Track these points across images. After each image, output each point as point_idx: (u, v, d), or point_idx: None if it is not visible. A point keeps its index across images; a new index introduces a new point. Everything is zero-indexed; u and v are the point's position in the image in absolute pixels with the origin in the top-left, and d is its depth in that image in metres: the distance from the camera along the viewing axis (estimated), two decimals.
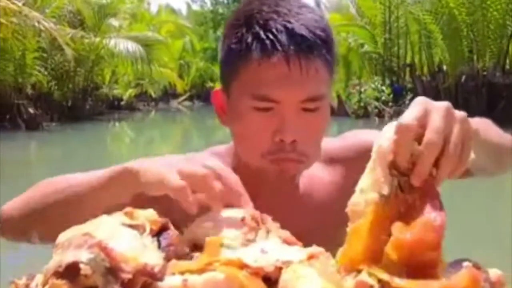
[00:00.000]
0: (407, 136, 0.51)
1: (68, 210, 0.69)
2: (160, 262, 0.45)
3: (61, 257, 0.43)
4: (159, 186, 0.58)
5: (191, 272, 0.48)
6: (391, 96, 12.69)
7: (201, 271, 0.48)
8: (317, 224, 0.80)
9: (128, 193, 0.62)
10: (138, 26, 17.98)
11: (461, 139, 0.53)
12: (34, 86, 11.74)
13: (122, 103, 17.78)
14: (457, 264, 0.51)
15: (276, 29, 0.74)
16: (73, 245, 0.43)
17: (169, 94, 22.63)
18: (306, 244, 0.55)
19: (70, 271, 0.42)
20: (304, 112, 0.75)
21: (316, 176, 0.87)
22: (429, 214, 0.48)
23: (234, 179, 0.64)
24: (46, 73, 11.90)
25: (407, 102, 12.23)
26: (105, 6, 13.38)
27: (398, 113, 12.98)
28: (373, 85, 13.15)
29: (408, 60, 13.30)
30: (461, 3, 10.75)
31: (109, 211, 0.56)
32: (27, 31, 10.35)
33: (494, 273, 0.53)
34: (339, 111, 12.33)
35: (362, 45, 14.29)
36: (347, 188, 0.85)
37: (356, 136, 0.92)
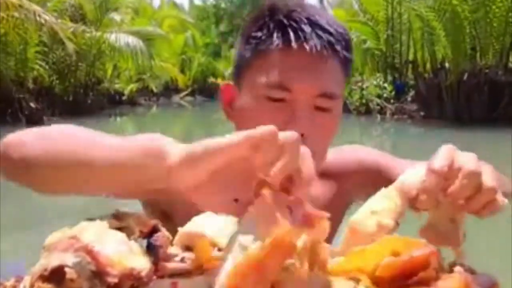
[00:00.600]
0: (437, 180, 0.51)
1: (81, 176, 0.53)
2: (147, 266, 0.44)
3: (47, 261, 0.42)
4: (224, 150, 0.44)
5: (181, 275, 0.48)
6: (393, 93, 12.66)
7: (190, 274, 0.48)
8: None
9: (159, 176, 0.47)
10: (140, 21, 17.96)
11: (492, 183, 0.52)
12: (36, 81, 11.74)
13: (124, 97, 17.78)
14: (449, 268, 0.51)
15: (300, 19, 0.75)
16: (59, 249, 0.43)
17: (170, 89, 22.61)
18: None
19: (56, 275, 0.41)
20: (317, 110, 0.75)
21: (316, 188, 0.85)
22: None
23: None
24: (47, 67, 11.90)
25: (408, 99, 12.22)
26: (107, 0, 13.35)
27: (399, 110, 12.96)
28: (375, 82, 13.12)
29: (411, 57, 13.25)
30: (464, 0, 10.70)
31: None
32: (29, 25, 10.33)
33: (487, 278, 0.53)
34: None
35: (364, 42, 14.24)
36: (336, 203, 0.85)
37: (356, 152, 0.91)
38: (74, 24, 12.11)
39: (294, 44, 0.74)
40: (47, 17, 10.14)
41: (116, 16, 14.52)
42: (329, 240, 0.59)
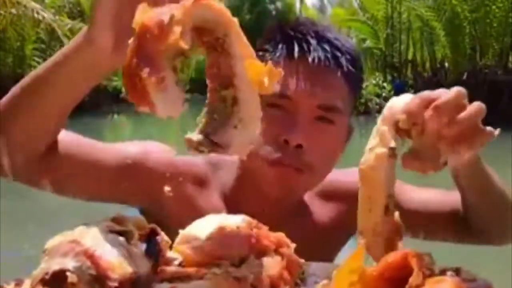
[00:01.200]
0: (419, 102, 0.52)
1: (36, 90, 0.65)
2: (147, 270, 0.45)
3: (47, 265, 0.43)
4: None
5: (179, 279, 0.48)
6: (392, 92, 12.67)
7: (188, 278, 0.48)
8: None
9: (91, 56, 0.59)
10: None
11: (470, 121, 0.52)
12: None
13: (121, 95, 17.74)
14: (442, 273, 0.51)
15: (307, 32, 0.77)
16: (60, 253, 0.43)
17: None
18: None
19: (57, 279, 0.42)
20: (319, 121, 0.75)
21: (313, 205, 0.85)
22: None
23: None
24: None
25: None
26: None
27: None
28: (374, 81, 13.13)
29: (410, 57, 13.26)
30: (463, 0, 10.70)
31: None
32: (26, 22, 10.31)
33: (482, 282, 0.53)
34: None
35: (363, 41, 14.24)
36: (342, 224, 0.84)
37: None
38: (71, 21, 12.08)
39: (296, 54, 0.75)
40: (44, 14, 10.11)
41: None
42: (331, 258, 0.60)
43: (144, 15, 0.48)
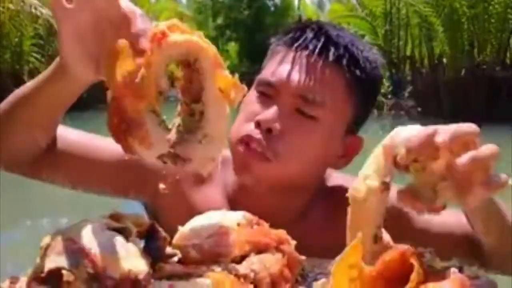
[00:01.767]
0: (422, 139, 0.47)
1: (19, 109, 0.68)
2: (145, 268, 0.44)
3: (43, 262, 0.42)
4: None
5: (178, 277, 0.47)
6: (390, 88, 12.66)
7: (188, 276, 0.48)
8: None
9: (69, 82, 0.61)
10: None
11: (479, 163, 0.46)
12: (31, 73, 11.66)
13: None
14: (445, 270, 0.50)
15: (318, 30, 0.76)
16: (56, 250, 0.42)
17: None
18: None
19: (52, 277, 0.41)
20: (299, 114, 0.73)
21: (318, 211, 0.81)
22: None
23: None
24: (43, 60, 11.82)
25: (406, 94, 12.21)
26: None
27: (396, 106, 13.01)
28: None
29: (408, 53, 13.24)
30: None
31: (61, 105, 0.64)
32: (24, 17, 10.26)
33: (485, 280, 0.53)
34: None
35: (362, 37, 14.21)
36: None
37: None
38: None
39: (296, 43, 0.74)
40: (43, 10, 10.06)
41: None
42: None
43: (116, 73, 0.50)
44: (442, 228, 0.79)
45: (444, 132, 0.46)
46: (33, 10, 10.09)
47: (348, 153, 0.79)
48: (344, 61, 0.74)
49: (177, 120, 0.55)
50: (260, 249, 0.55)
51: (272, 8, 18.86)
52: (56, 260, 0.41)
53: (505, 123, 8.27)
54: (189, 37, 0.52)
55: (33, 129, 0.69)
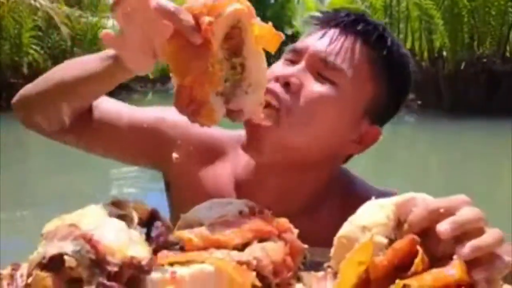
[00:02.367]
0: (423, 215, 0.47)
1: (62, 95, 0.76)
2: (147, 255, 0.44)
3: (45, 249, 0.42)
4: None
5: (180, 264, 0.47)
6: None
7: (190, 263, 0.47)
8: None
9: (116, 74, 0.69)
10: None
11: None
12: (31, 66, 11.63)
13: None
14: (449, 257, 0.50)
15: (357, 16, 0.78)
16: (58, 236, 0.42)
17: (167, 75, 22.44)
18: None
19: (55, 263, 0.41)
20: (321, 78, 0.73)
21: (332, 211, 0.78)
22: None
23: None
24: (42, 52, 11.78)
25: (405, 99, 12.15)
26: None
27: None
28: None
29: (408, 46, 13.19)
30: None
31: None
32: (23, 9, 10.21)
33: None
34: None
35: None
36: None
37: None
38: (69, 8, 11.96)
39: (325, 22, 0.76)
40: (42, 1, 10.01)
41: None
42: None
43: (185, 66, 0.58)
44: None
45: (446, 224, 0.46)
46: (32, 2, 10.04)
47: (363, 140, 0.77)
48: (372, 37, 0.74)
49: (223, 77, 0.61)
50: (262, 238, 0.55)
51: (272, 1, 18.77)
52: (58, 246, 0.41)
53: (505, 116, 8.27)
54: (231, 9, 0.57)
55: (72, 108, 0.78)
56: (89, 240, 0.41)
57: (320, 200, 0.79)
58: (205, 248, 0.50)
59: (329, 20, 0.77)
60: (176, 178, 0.84)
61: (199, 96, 0.58)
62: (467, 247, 0.45)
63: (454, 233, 0.45)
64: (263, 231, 0.55)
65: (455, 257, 0.48)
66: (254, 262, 0.49)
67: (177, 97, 0.59)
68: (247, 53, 0.60)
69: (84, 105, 0.80)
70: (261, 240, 0.54)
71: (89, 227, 0.43)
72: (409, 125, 9.88)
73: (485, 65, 10.60)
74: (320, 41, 0.75)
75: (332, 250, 0.51)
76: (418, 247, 0.47)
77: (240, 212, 0.56)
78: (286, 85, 0.71)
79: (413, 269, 0.46)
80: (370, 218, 0.50)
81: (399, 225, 0.50)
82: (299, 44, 0.77)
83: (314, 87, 0.72)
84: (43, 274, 0.41)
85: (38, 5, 10.08)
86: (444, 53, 11.66)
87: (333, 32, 0.76)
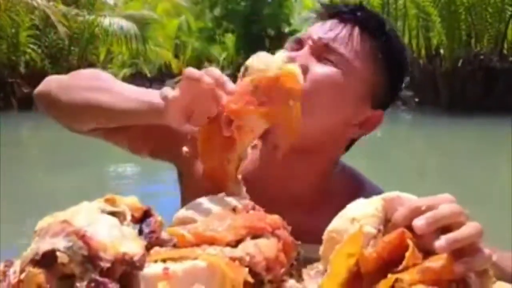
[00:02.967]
0: (405, 216, 0.49)
1: (97, 111, 0.79)
2: (140, 251, 0.44)
3: (38, 245, 0.42)
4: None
5: (173, 260, 0.47)
6: None
7: (182, 259, 0.48)
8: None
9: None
10: (134, 4, 17.70)
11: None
12: (28, 65, 11.60)
13: None
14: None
15: (358, 8, 0.80)
16: (50, 233, 0.42)
17: (164, 74, 22.41)
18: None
19: (47, 259, 0.41)
20: (325, 60, 0.76)
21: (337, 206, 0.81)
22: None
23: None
24: (39, 51, 11.75)
25: (402, 86, 12.15)
26: None
27: None
28: None
29: (406, 43, 13.19)
30: None
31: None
32: (20, 8, 10.17)
33: None
34: None
35: None
36: None
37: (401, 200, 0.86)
38: (66, 7, 11.92)
39: (326, 15, 0.79)
40: (39, 0, 9.98)
41: (109, 0, 14.32)
42: None
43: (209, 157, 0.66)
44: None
45: (422, 219, 0.47)
46: (30, 1, 10.01)
47: (365, 124, 0.80)
48: (371, 23, 0.78)
49: None
50: (255, 234, 0.55)
51: None
52: (50, 242, 0.41)
53: (502, 113, 8.30)
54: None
55: (98, 125, 0.83)
56: (81, 236, 0.42)
57: (326, 196, 0.80)
58: (198, 245, 0.50)
59: (328, 11, 0.80)
60: (187, 171, 0.86)
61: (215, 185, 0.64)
62: (443, 240, 0.46)
63: (430, 227, 0.47)
64: (256, 227, 0.55)
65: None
66: (247, 258, 0.50)
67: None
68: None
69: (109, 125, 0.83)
70: (254, 236, 0.54)
71: (82, 224, 0.43)
72: (407, 122, 9.90)
73: (483, 63, 10.62)
74: (321, 28, 0.78)
75: (322, 247, 0.52)
76: (409, 241, 0.47)
77: (233, 209, 0.56)
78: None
79: (404, 263, 0.46)
80: (359, 210, 0.51)
81: (385, 222, 0.50)
82: (301, 34, 0.80)
83: (318, 69, 0.75)
84: (36, 270, 0.41)
85: (35, 4, 10.04)
86: (442, 51, 11.67)
87: (333, 21, 0.79)
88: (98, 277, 0.41)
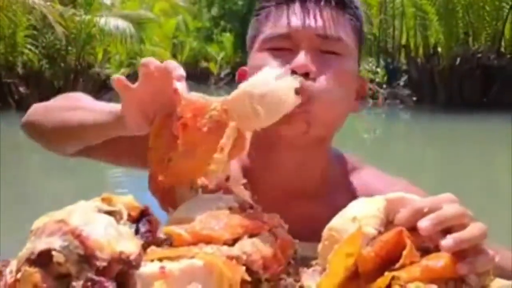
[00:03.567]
0: (408, 217, 0.49)
1: (71, 129, 0.79)
2: (136, 250, 0.44)
3: (34, 245, 0.42)
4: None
5: (169, 259, 0.47)
6: (385, 78, 12.65)
7: (179, 258, 0.47)
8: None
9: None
10: (131, 4, 17.67)
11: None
12: (25, 65, 11.57)
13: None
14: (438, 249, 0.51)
15: None
16: (46, 232, 0.42)
17: None
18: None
19: (43, 259, 0.41)
20: (325, 54, 0.73)
21: (338, 195, 0.78)
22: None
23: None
24: (37, 51, 11.72)
25: (401, 84, 12.21)
26: None
27: (392, 95, 12.98)
28: (367, 67, 13.10)
29: (403, 42, 13.21)
30: None
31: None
32: (17, 8, 10.15)
33: None
34: None
35: None
36: None
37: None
38: (63, 7, 11.89)
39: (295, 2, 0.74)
40: (36, 0, 9.95)
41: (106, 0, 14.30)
42: None
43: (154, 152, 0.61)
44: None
45: (427, 220, 0.47)
46: (27, 0, 9.97)
47: (359, 95, 0.80)
48: (346, 3, 0.76)
49: None
50: (252, 233, 0.55)
51: None
52: (46, 242, 0.41)
53: (500, 111, 8.31)
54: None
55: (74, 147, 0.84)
56: (77, 235, 0.41)
57: (328, 182, 0.80)
58: (194, 244, 0.50)
59: None
60: None
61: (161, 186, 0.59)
62: (449, 239, 0.46)
63: (434, 229, 0.47)
64: (253, 226, 0.55)
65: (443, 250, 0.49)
66: (244, 257, 0.50)
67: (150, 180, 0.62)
68: None
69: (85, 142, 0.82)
70: (252, 235, 0.54)
71: (78, 223, 0.43)
72: (405, 120, 9.91)
73: (480, 61, 10.63)
74: (308, 18, 0.74)
75: (320, 244, 0.52)
76: (407, 240, 0.47)
77: (230, 208, 0.56)
78: (306, 75, 0.71)
79: (401, 261, 0.46)
80: (360, 210, 0.51)
81: (387, 224, 0.50)
82: (287, 29, 0.74)
83: (329, 67, 0.73)
84: (32, 270, 0.41)
85: (32, 3, 10.01)
86: (439, 49, 11.68)
87: (307, 5, 0.75)
88: (94, 276, 0.41)
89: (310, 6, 0.74)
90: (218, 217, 0.54)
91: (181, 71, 0.60)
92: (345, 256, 0.47)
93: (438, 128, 7.55)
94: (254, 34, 0.79)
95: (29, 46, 11.44)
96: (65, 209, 0.46)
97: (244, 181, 0.76)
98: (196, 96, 0.59)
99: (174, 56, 21.49)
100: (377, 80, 12.64)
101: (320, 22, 0.74)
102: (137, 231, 0.49)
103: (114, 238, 0.44)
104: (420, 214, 0.48)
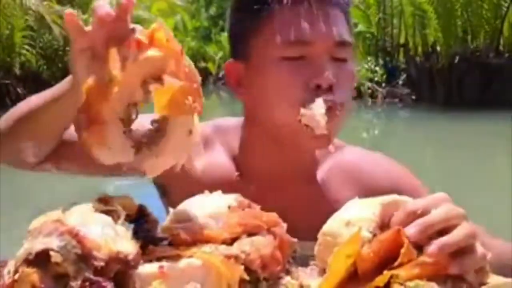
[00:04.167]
0: (402, 218, 0.50)
1: (24, 125, 0.76)
2: (134, 250, 0.44)
3: (31, 245, 0.42)
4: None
5: (168, 258, 0.47)
6: (384, 76, 12.65)
7: (178, 257, 0.47)
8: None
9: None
10: None
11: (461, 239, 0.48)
12: (23, 66, 11.55)
13: None
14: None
15: None
16: (44, 232, 0.42)
17: None
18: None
19: (41, 259, 0.41)
20: (335, 61, 0.73)
21: (328, 176, 0.81)
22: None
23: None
24: (34, 52, 11.70)
25: (400, 83, 12.22)
26: None
27: (391, 94, 12.98)
28: (366, 66, 13.10)
29: (402, 41, 13.22)
30: None
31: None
32: (14, 9, 10.13)
33: None
34: None
35: (355, 25, 14.14)
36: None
37: (412, 183, 0.85)
38: (60, 7, 11.87)
39: (303, 2, 0.72)
40: (33, 1, 9.94)
41: None
42: None
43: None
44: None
45: (413, 227, 0.48)
46: (24, 1, 9.96)
47: None
48: (341, 1, 0.76)
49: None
50: (251, 232, 0.55)
51: None
52: (44, 242, 0.41)
53: (499, 110, 8.31)
54: (163, 54, 0.51)
55: (37, 143, 0.77)
56: (75, 235, 0.41)
57: (317, 161, 0.82)
58: (193, 243, 0.50)
59: None
60: (172, 179, 0.79)
61: (93, 108, 0.50)
62: (433, 245, 0.47)
63: (421, 235, 0.47)
64: (252, 225, 0.55)
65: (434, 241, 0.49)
66: (242, 256, 0.50)
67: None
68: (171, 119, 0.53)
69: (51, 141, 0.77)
70: (250, 234, 0.54)
71: (75, 223, 0.43)
72: (404, 119, 9.91)
73: (479, 59, 10.63)
74: (325, 24, 0.72)
75: (316, 248, 0.52)
76: (405, 238, 0.47)
77: (229, 207, 0.56)
78: (330, 88, 0.71)
79: (399, 259, 0.46)
80: (355, 214, 0.51)
81: (382, 227, 0.50)
82: (307, 36, 0.72)
83: (343, 76, 0.73)
84: (29, 270, 0.41)
85: (29, 3, 9.99)
86: (438, 48, 11.68)
87: (315, 7, 0.73)
88: (92, 276, 0.41)
89: (322, 6, 0.73)
90: (216, 216, 0.54)
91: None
92: (345, 258, 0.47)
93: (437, 127, 7.56)
94: (250, 33, 0.77)
95: (26, 47, 11.42)
96: (63, 209, 0.46)
97: (237, 173, 0.78)
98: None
99: None
100: (375, 79, 12.65)
101: (338, 26, 0.73)
102: (135, 231, 0.49)
103: (111, 238, 0.43)
104: (413, 216, 0.49)
